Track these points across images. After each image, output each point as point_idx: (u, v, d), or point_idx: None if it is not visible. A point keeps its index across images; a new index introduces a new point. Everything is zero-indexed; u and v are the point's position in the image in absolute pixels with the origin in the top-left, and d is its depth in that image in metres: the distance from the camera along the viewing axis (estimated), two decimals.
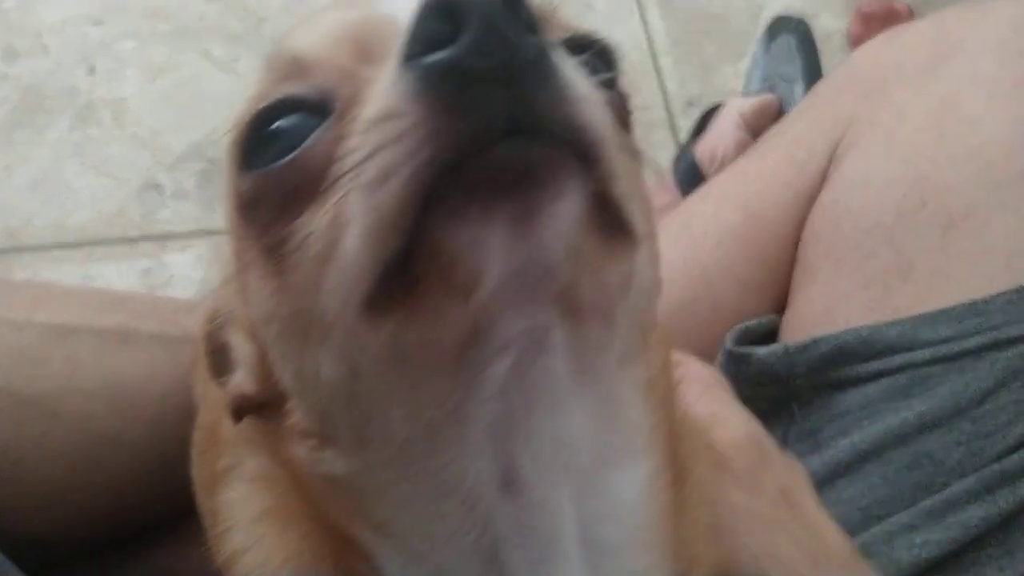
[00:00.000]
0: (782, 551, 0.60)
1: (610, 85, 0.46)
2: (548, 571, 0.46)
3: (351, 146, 0.38)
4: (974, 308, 0.78)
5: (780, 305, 0.96)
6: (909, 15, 1.67)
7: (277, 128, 0.44)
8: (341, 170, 0.39)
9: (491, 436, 0.43)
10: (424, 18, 0.35)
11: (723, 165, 1.25)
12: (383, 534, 0.48)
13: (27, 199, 1.44)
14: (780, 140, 1.05)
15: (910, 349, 0.79)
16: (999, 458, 0.75)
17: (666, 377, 0.54)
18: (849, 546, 0.66)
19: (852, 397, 0.82)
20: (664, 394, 0.52)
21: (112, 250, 1.44)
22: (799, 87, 1.52)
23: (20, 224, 1.42)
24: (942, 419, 0.77)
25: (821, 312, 0.89)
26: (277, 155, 0.43)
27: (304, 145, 0.42)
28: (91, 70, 1.57)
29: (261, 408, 0.51)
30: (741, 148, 1.32)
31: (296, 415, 0.48)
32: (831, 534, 0.65)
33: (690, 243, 1.00)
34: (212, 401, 0.67)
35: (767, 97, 1.47)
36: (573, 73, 0.38)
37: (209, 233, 1.40)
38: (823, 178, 0.94)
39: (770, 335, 0.93)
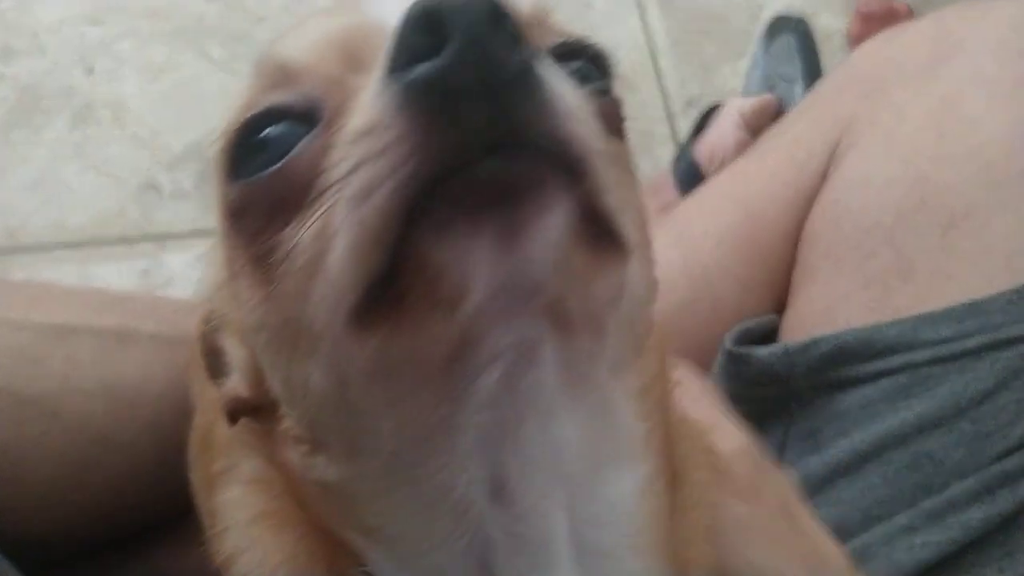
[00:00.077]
0: (781, 562, 0.60)
1: (604, 92, 0.46)
2: None
3: (336, 158, 0.38)
4: (974, 308, 0.78)
5: (780, 305, 0.96)
6: (909, 14, 1.67)
7: (264, 137, 0.43)
8: (327, 181, 0.38)
9: (480, 446, 0.43)
10: (408, 30, 0.35)
11: (723, 165, 1.24)
12: (375, 539, 0.48)
13: (25, 199, 1.44)
14: (780, 140, 1.05)
15: (910, 349, 0.79)
16: (999, 458, 0.75)
17: (662, 381, 0.54)
18: (844, 556, 0.66)
19: (852, 397, 0.82)
20: (659, 398, 0.52)
21: (111, 250, 1.43)
22: (799, 87, 1.51)
23: (18, 224, 1.42)
24: (942, 419, 0.77)
25: (821, 312, 0.89)
26: (264, 164, 0.43)
27: (291, 155, 0.42)
28: (89, 70, 1.57)
29: (256, 411, 0.51)
30: (741, 148, 1.31)
31: (288, 421, 0.48)
32: (826, 544, 0.66)
33: (690, 243, 1.00)
34: (207, 403, 0.67)
35: (767, 97, 1.47)
36: (560, 85, 0.37)
37: (208, 233, 1.38)
38: (823, 178, 0.94)
39: (770, 335, 0.93)
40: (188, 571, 0.67)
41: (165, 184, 1.47)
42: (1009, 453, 0.75)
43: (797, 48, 1.57)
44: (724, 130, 1.40)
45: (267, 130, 0.43)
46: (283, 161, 0.42)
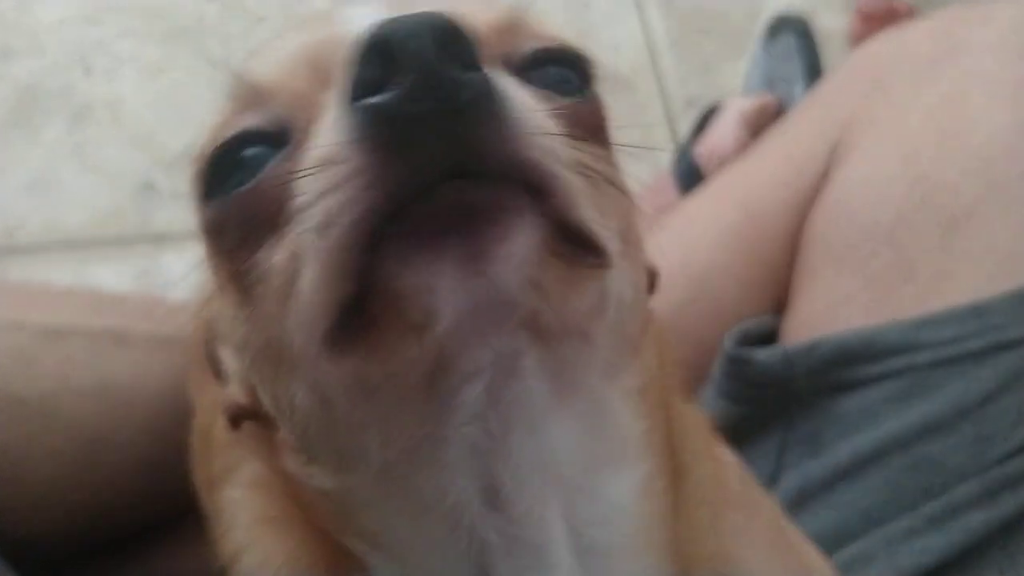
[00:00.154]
0: (776, 570, 0.59)
1: (583, 96, 0.46)
2: None
3: (300, 185, 0.38)
4: (976, 309, 0.77)
5: (780, 305, 0.96)
6: (910, 14, 1.66)
7: (239, 157, 0.44)
8: (295, 206, 0.38)
9: (470, 457, 0.43)
10: (360, 61, 0.35)
11: (723, 165, 1.24)
12: (374, 545, 0.48)
13: (22, 199, 1.44)
14: (780, 140, 1.05)
15: (911, 351, 0.79)
16: (1001, 462, 0.75)
17: (662, 379, 0.53)
18: (832, 571, 0.67)
19: (853, 400, 0.81)
20: (659, 396, 0.52)
21: (108, 251, 1.43)
22: (799, 87, 1.51)
23: (15, 224, 1.42)
24: (944, 422, 0.77)
25: (822, 312, 0.88)
26: (236, 186, 0.43)
27: (260, 176, 0.42)
28: (88, 70, 1.57)
29: (256, 416, 0.51)
30: (741, 148, 1.31)
31: (282, 432, 0.48)
32: (817, 562, 0.66)
33: (690, 243, 0.99)
34: (206, 404, 0.67)
35: (767, 97, 1.46)
36: (521, 105, 0.37)
37: None
38: (823, 178, 0.94)
39: (770, 336, 0.93)
40: (187, 572, 0.67)
41: (163, 185, 1.47)
42: (1011, 456, 0.75)
43: (797, 48, 1.57)
44: (724, 130, 1.40)
45: (241, 151, 0.44)
46: (253, 182, 0.42)
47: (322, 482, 0.47)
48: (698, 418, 0.60)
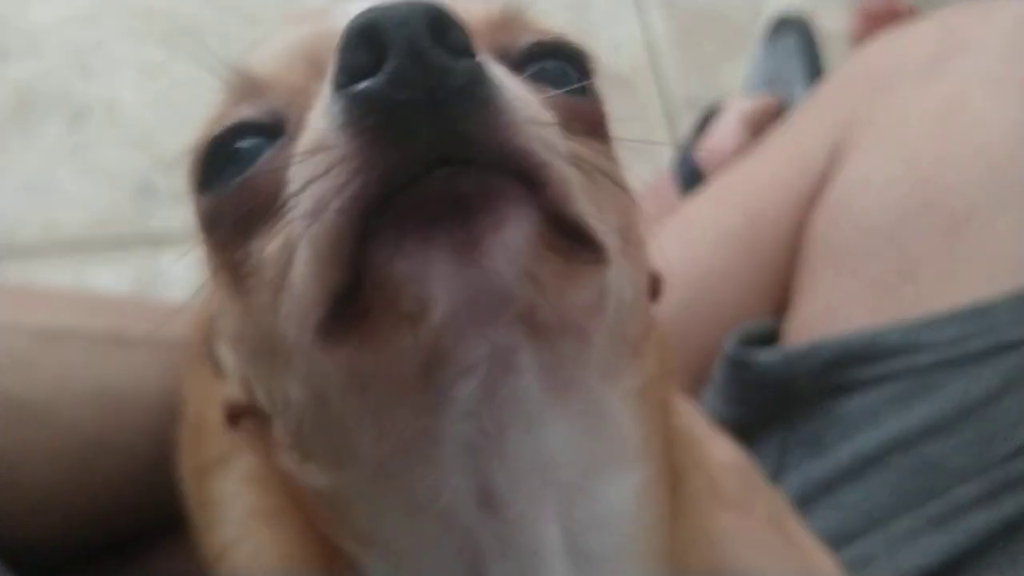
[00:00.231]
0: (770, 573, 0.59)
1: (581, 91, 0.45)
2: None
3: (292, 174, 0.38)
4: (978, 311, 0.77)
5: (781, 307, 0.96)
6: (911, 14, 1.66)
7: (234, 149, 0.43)
8: (287, 196, 0.38)
9: (464, 455, 0.43)
10: (348, 47, 0.34)
11: (724, 166, 1.24)
12: (367, 544, 0.48)
13: (20, 201, 1.43)
14: (781, 141, 1.04)
15: (913, 353, 0.79)
16: (1003, 463, 0.74)
17: (662, 382, 0.53)
18: (838, 568, 0.66)
19: (854, 402, 0.81)
20: (659, 401, 0.52)
21: (107, 253, 1.43)
22: (800, 87, 1.51)
23: (13, 226, 1.42)
24: (945, 424, 0.76)
25: (823, 313, 0.88)
26: (233, 177, 0.43)
27: (255, 167, 0.42)
28: (85, 71, 1.56)
29: (253, 412, 0.50)
30: (742, 149, 1.31)
31: (277, 429, 0.48)
32: (819, 557, 0.65)
33: (690, 244, 0.99)
34: (198, 393, 0.68)
35: (768, 98, 1.46)
36: (513, 93, 0.36)
37: None
38: (824, 179, 0.94)
39: (771, 337, 0.93)
40: (186, 573, 0.67)
41: (162, 186, 1.46)
42: (1012, 457, 0.74)
43: (798, 48, 1.57)
44: (725, 131, 1.40)
45: (236, 143, 0.43)
46: (247, 174, 0.42)
47: (316, 480, 0.47)
48: (695, 418, 0.60)
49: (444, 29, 0.34)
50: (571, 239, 0.38)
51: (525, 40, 0.45)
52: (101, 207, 1.45)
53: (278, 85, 0.44)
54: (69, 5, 1.61)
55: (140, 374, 0.83)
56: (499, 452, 0.43)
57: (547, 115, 0.38)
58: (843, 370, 0.82)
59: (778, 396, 0.85)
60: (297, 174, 0.37)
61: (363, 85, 0.34)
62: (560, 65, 0.45)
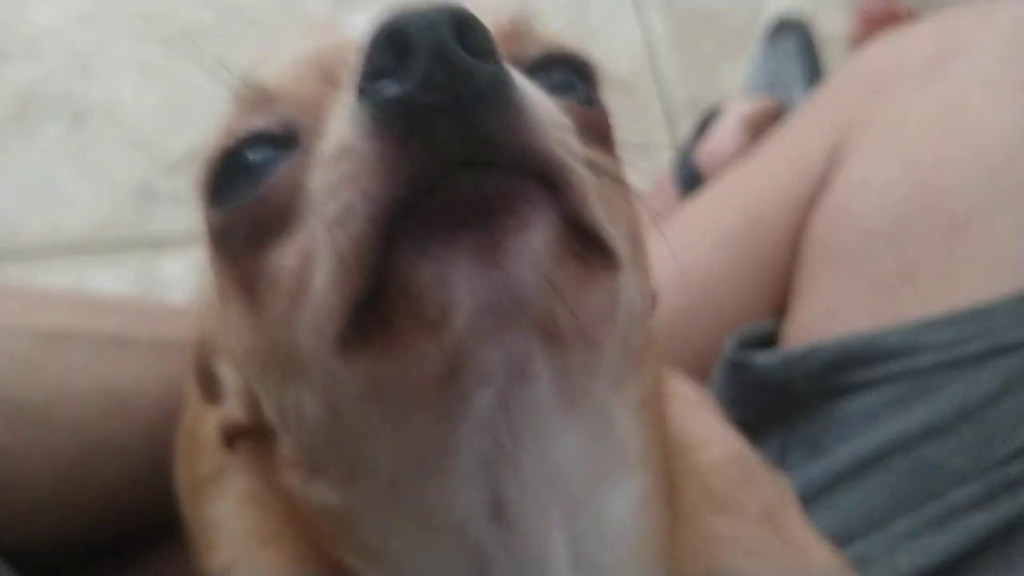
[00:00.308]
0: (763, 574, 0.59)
1: (589, 102, 0.46)
2: None
3: (312, 183, 0.38)
4: (977, 313, 0.77)
5: (780, 309, 0.96)
6: (910, 16, 1.66)
7: (245, 162, 0.43)
8: (306, 205, 0.38)
9: (479, 467, 0.43)
10: (373, 50, 0.34)
11: (723, 168, 1.24)
12: (373, 561, 0.48)
13: (20, 204, 1.43)
14: (780, 143, 1.04)
15: (911, 355, 0.79)
16: (1001, 464, 0.74)
17: (659, 392, 0.53)
18: (838, 562, 0.66)
19: (853, 404, 0.81)
20: (657, 410, 0.52)
21: (107, 255, 1.43)
22: (799, 89, 1.51)
23: (13, 228, 1.42)
24: (944, 425, 0.76)
25: (822, 315, 0.88)
26: (245, 189, 0.42)
27: (270, 179, 0.42)
28: (85, 73, 1.57)
29: (253, 434, 0.50)
30: (741, 151, 1.31)
31: (285, 446, 0.48)
32: (818, 552, 0.65)
33: (690, 247, 0.99)
34: (195, 402, 0.67)
35: (767, 100, 1.46)
36: (534, 97, 0.37)
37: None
38: (823, 181, 0.94)
39: (770, 340, 0.93)
40: (186, 575, 0.67)
41: (162, 188, 1.46)
42: (1011, 459, 0.74)
43: (798, 50, 1.57)
44: (724, 134, 1.40)
45: (247, 154, 0.43)
46: (260, 187, 0.42)
47: (324, 497, 0.46)
48: (691, 413, 0.60)
49: (468, 32, 0.34)
50: (587, 244, 0.38)
51: (533, 50, 0.45)
52: (101, 209, 1.45)
53: (289, 96, 0.43)
54: (69, 6, 1.61)
55: (141, 375, 0.83)
56: (512, 464, 0.43)
57: (566, 120, 0.38)
58: (842, 372, 0.82)
59: (777, 398, 0.85)
60: (320, 181, 0.37)
61: (390, 88, 0.34)
62: (568, 76, 0.45)
